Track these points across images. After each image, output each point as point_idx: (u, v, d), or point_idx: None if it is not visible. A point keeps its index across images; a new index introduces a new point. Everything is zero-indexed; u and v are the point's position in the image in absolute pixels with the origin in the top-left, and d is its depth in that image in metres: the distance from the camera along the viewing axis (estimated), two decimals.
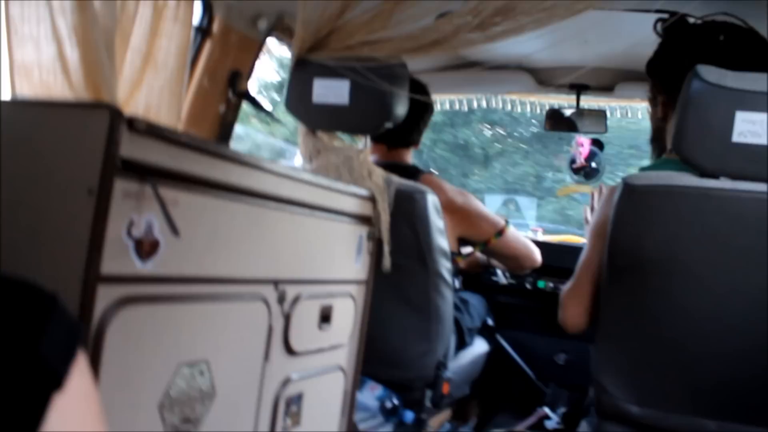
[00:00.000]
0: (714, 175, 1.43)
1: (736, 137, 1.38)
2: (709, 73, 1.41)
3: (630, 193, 1.48)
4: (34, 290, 0.48)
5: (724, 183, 1.42)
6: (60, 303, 0.49)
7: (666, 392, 1.52)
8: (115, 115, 0.81)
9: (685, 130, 1.42)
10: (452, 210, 1.93)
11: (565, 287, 1.76)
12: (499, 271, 2.75)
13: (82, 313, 0.80)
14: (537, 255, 2.24)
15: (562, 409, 2.34)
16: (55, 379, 0.47)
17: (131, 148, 0.84)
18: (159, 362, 0.93)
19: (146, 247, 0.87)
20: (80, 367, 0.51)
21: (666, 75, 1.68)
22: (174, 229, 0.86)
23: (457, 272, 2.02)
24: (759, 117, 1.37)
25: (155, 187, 0.85)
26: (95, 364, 0.82)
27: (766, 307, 1.42)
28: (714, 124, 1.39)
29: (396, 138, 2.02)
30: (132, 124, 0.84)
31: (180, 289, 0.96)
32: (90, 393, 0.52)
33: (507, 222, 2.09)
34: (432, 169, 2.07)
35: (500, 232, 2.03)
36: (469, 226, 1.99)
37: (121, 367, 0.87)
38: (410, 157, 2.11)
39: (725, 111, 1.38)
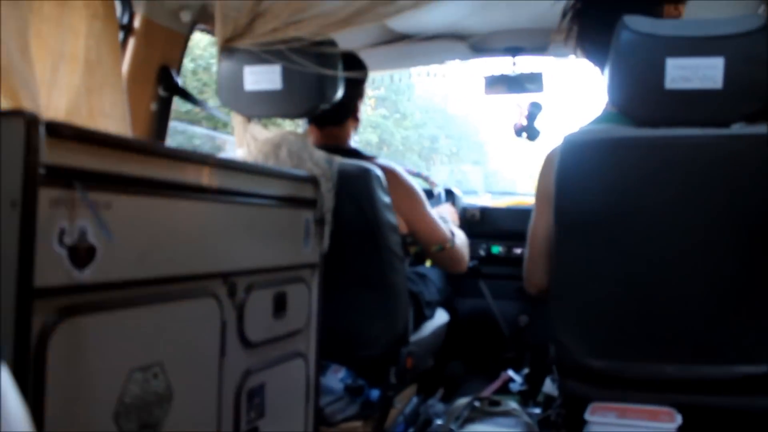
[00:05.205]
0: (651, 124, 1.45)
1: (669, 84, 1.39)
2: (637, 22, 1.42)
3: (571, 149, 1.49)
4: None
5: (659, 131, 1.44)
6: None
7: (623, 342, 1.54)
8: (31, 121, 0.77)
9: (618, 81, 1.43)
10: (401, 198, 1.84)
11: (525, 257, 1.77)
12: None
13: (19, 329, 0.77)
14: (465, 264, 2.21)
15: (525, 371, 2.36)
16: None
17: (54, 154, 0.81)
18: (108, 370, 0.91)
19: (82, 254, 0.85)
20: None
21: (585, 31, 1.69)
22: (107, 233, 0.84)
23: (407, 252, 1.98)
24: (689, 62, 1.38)
25: (84, 192, 0.82)
26: (39, 379, 0.80)
27: (709, 249, 1.45)
28: (646, 72, 1.40)
29: (325, 117, 1.86)
30: (52, 129, 0.81)
31: (123, 294, 0.93)
32: (11, 408, 0.52)
33: (452, 236, 2.05)
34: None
35: (443, 247, 2.00)
36: (411, 223, 1.92)
37: (69, 380, 0.84)
38: (349, 135, 1.96)
39: (656, 59, 1.39)
